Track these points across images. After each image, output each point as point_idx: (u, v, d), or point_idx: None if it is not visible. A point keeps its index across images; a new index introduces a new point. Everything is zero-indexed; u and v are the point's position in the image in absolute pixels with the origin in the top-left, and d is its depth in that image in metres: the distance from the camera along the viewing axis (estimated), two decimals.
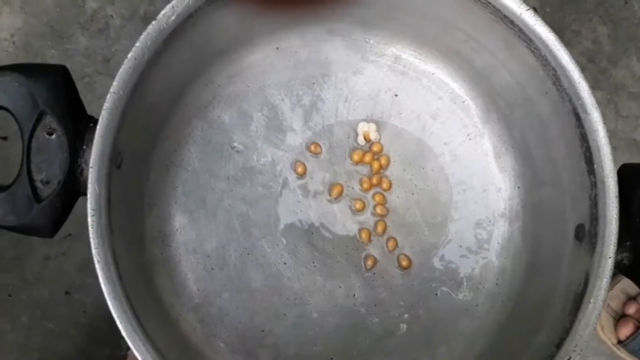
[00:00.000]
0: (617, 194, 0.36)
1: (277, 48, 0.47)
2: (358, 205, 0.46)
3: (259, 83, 0.47)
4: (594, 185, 0.38)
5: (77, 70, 0.71)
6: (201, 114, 0.46)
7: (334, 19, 0.46)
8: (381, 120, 0.47)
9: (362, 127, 0.47)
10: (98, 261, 0.33)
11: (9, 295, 0.71)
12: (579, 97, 0.37)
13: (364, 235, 0.46)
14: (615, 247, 0.36)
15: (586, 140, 0.38)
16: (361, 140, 0.47)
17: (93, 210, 0.34)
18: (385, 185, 0.46)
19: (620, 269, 0.38)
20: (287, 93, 0.47)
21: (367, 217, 0.47)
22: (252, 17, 0.43)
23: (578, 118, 0.38)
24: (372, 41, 0.47)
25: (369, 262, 0.46)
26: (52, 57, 0.72)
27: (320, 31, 0.47)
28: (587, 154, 0.38)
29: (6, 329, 0.70)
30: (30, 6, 0.72)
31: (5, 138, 0.71)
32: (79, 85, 0.71)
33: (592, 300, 0.36)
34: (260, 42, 0.46)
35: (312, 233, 0.46)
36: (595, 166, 0.37)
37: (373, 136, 0.47)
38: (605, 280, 0.36)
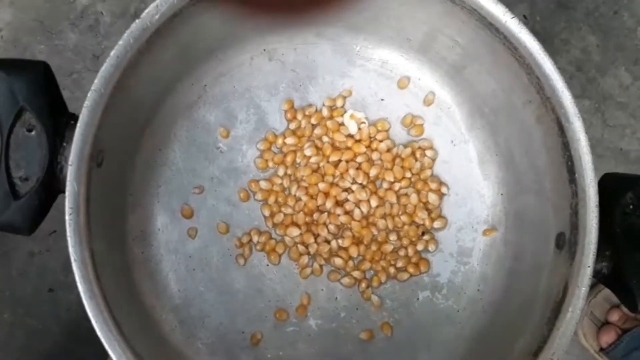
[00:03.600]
0: (597, 203, 0.36)
1: (265, 50, 0.47)
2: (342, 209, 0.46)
3: (246, 84, 0.47)
4: (575, 194, 0.38)
5: (66, 66, 0.71)
6: (187, 113, 0.46)
7: (323, 23, 0.46)
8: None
9: (353, 114, 0.47)
10: (75, 260, 0.33)
11: None
12: (561, 106, 0.37)
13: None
14: (595, 257, 0.36)
15: (568, 149, 0.38)
16: (353, 127, 0.47)
17: (71, 208, 0.33)
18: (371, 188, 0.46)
19: (599, 279, 0.39)
20: (273, 95, 0.47)
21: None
22: (239, 18, 0.43)
23: (560, 127, 0.38)
24: (359, 46, 0.47)
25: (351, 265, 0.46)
26: (40, 52, 0.71)
27: (308, 34, 0.46)
28: (569, 163, 0.38)
29: None
30: (20, 1, 0.72)
31: None
32: (68, 82, 0.71)
33: (570, 309, 0.36)
34: (248, 43, 0.46)
35: None
36: (576, 175, 0.37)
37: (361, 116, 0.47)
38: (584, 289, 0.36)
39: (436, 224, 0.46)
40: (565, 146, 0.38)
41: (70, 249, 0.33)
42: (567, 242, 0.38)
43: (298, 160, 0.46)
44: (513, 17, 0.37)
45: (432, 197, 0.46)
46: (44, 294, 0.71)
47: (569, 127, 0.37)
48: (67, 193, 0.33)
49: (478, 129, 0.46)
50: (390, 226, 0.46)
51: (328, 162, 0.46)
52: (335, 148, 0.46)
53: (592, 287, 0.68)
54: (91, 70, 0.71)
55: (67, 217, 0.33)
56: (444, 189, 0.46)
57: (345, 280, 0.45)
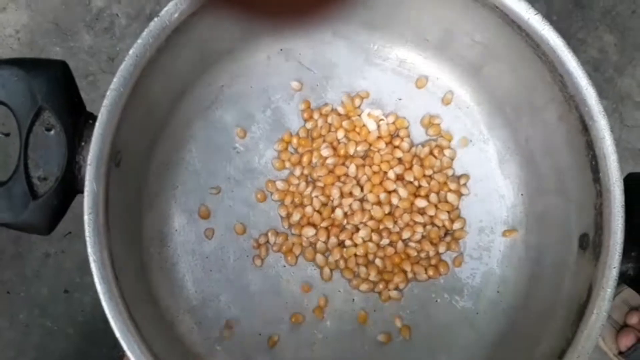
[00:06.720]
0: (623, 203, 0.36)
1: (282, 49, 0.46)
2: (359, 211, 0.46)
3: (263, 84, 0.47)
4: (599, 194, 0.37)
5: (81, 68, 0.71)
6: (203, 113, 0.46)
7: (339, 21, 0.45)
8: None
9: (370, 113, 0.46)
10: (94, 260, 0.33)
11: (8, 292, 0.70)
12: (585, 104, 0.37)
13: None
14: (620, 257, 0.35)
15: (592, 148, 0.37)
16: (372, 125, 0.46)
17: (90, 208, 0.33)
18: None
19: (624, 280, 0.38)
20: (290, 94, 0.47)
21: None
22: (256, 17, 0.42)
23: (584, 125, 0.37)
24: (376, 44, 0.46)
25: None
26: (56, 54, 0.72)
27: (325, 33, 0.46)
28: (593, 162, 0.37)
29: (4, 326, 0.70)
30: (36, 3, 0.72)
31: (7, 134, 0.71)
32: (83, 84, 0.71)
33: (595, 311, 0.35)
34: (264, 43, 0.46)
35: None
36: (601, 174, 0.36)
37: (378, 113, 0.46)
38: (609, 290, 0.35)
39: (455, 225, 0.45)
40: (589, 145, 0.37)
41: (89, 250, 0.33)
42: (592, 243, 0.37)
43: (314, 160, 0.46)
44: (536, 14, 0.37)
45: (452, 198, 0.45)
46: (59, 296, 0.71)
47: (593, 125, 0.37)
48: (85, 193, 0.33)
49: (498, 129, 0.46)
50: (410, 228, 0.45)
51: (344, 163, 0.46)
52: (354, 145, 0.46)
53: None
54: (106, 72, 0.71)
55: (85, 217, 0.33)
56: (463, 190, 0.46)
57: (364, 286, 0.45)
